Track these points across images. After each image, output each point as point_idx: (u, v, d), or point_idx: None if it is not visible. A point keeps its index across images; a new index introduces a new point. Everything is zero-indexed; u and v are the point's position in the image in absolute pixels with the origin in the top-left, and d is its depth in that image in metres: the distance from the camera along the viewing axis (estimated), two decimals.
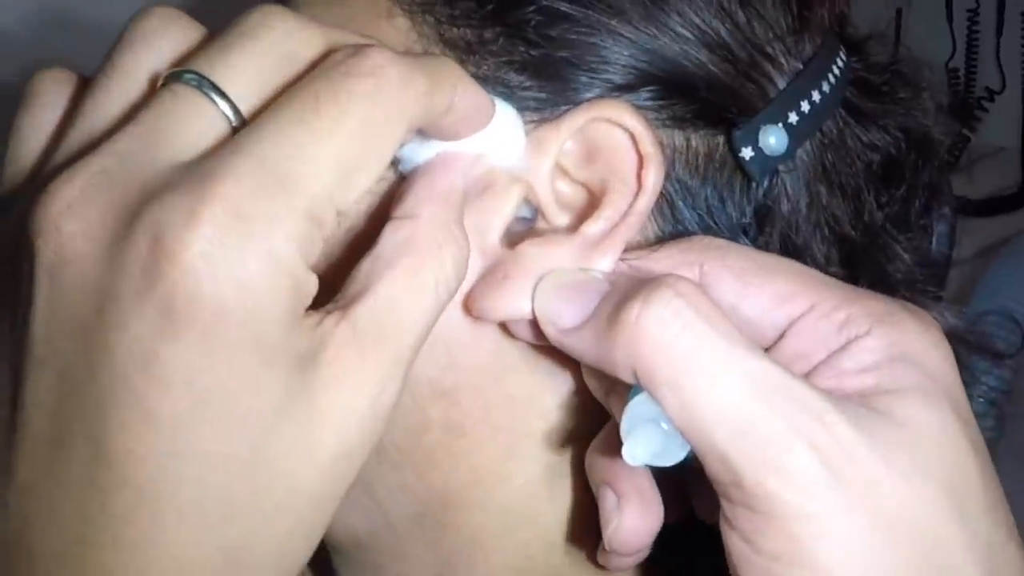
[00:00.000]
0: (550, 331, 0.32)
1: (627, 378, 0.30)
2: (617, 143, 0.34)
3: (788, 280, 0.32)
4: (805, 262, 0.36)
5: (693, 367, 0.28)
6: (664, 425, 0.29)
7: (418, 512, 0.37)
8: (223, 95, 0.28)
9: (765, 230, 0.36)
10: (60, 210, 0.26)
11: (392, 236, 0.29)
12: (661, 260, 0.33)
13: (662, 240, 0.35)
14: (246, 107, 0.28)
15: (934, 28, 1.09)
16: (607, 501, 0.33)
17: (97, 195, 0.26)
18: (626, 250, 0.34)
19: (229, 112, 0.28)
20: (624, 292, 0.30)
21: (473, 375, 0.35)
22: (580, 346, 0.31)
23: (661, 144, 0.34)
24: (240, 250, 0.25)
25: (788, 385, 0.28)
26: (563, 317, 0.32)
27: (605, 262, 0.33)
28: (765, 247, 0.36)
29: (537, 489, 0.37)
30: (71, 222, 0.26)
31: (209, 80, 0.28)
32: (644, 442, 0.29)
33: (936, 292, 0.39)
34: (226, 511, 0.27)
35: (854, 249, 0.38)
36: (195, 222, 0.25)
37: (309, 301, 0.27)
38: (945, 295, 0.42)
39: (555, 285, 0.32)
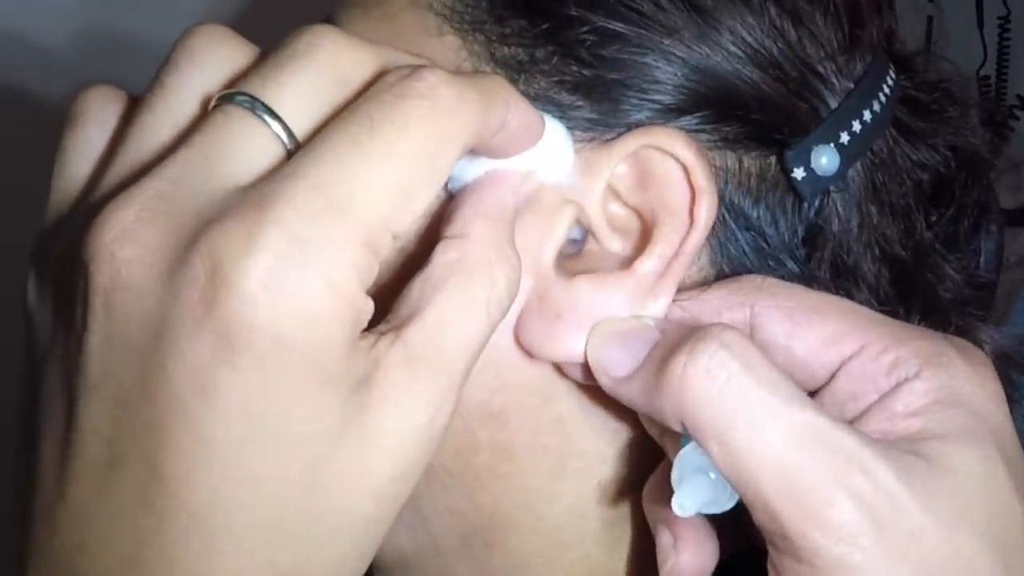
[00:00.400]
0: (603, 380, 0.32)
1: (676, 428, 0.30)
2: (669, 173, 0.33)
3: (838, 320, 0.32)
4: (856, 282, 0.36)
5: (738, 420, 0.28)
6: (712, 475, 0.30)
7: (466, 533, 0.37)
8: (277, 117, 0.28)
9: (816, 250, 0.36)
10: (115, 236, 0.26)
11: (443, 256, 0.29)
12: (711, 302, 0.33)
13: (715, 263, 0.35)
14: (300, 129, 0.28)
15: (965, 35, 1.08)
16: (663, 540, 0.33)
17: (152, 221, 0.26)
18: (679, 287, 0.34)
19: (283, 135, 0.28)
20: (672, 342, 0.30)
21: (522, 397, 0.35)
22: (631, 395, 0.31)
23: (714, 167, 0.34)
24: (298, 277, 0.25)
25: (832, 435, 0.28)
26: (615, 366, 0.32)
27: (659, 305, 0.33)
28: (817, 267, 0.36)
29: (586, 511, 0.37)
30: (126, 248, 0.26)
31: (262, 102, 0.28)
32: (693, 493, 0.29)
33: (984, 315, 0.39)
34: (280, 535, 0.27)
35: (904, 269, 0.38)
36: (253, 249, 0.25)
37: (365, 325, 0.27)
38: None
39: (608, 334, 0.33)
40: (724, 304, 0.33)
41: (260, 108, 0.28)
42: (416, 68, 0.28)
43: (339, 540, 0.28)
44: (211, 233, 0.25)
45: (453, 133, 0.28)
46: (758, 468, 0.28)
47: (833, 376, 0.32)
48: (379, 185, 0.27)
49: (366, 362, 0.27)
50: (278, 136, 0.28)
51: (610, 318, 0.33)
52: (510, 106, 0.30)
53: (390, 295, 0.29)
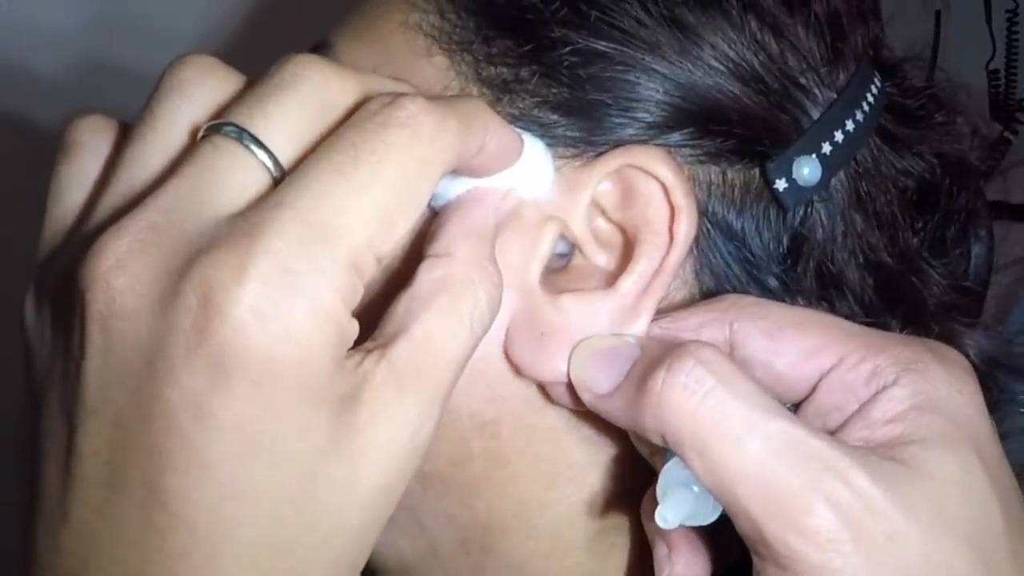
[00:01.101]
0: (586, 397, 0.33)
1: (658, 442, 0.31)
2: (650, 192, 0.34)
3: (816, 334, 0.33)
4: (841, 290, 0.37)
5: (716, 432, 0.29)
6: (696, 488, 0.30)
7: (463, 538, 0.38)
8: (263, 147, 0.29)
9: (801, 260, 0.36)
10: (110, 265, 0.27)
11: (428, 275, 0.30)
12: (691, 320, 0.34)
13: (699, 276, 0.36)
14: (286, 158, 0.29)
15: (973, 30, 1.07)
16: (659, 551, 0.34)
17: (145, 250, 0.27)
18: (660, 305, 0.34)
19: (270, 164, 0.29)
20: (651, 358, 0.31)
21: (514, 407, 0.36)
22: (613, 412, 0.32)
23: (697, 181, 0.35)
24: (287, 304, 0.26)
25: (809, 443, 0.29)
26: (597, 383, 0.33)
27: (640, 322, 0.34)
28: (802, 276, 0.36)
29: (579, 519, 0.37)
30: (120, 277, 0.27)
31: (249, 132, 0.28)
32: (676, 505, 0.30)
33: (970, 321, 0.39)
34: (276, 547, 0.28)
35: (890, 276, 0.38)
36: (244, 278, 0.26)
37: (350, 344, 0.28)
38: (985, 302, 0.42)
39: (590, 352, 0.33)
40: (703, 322, 0.34)
41: (247, 138, 0.28)
42: (397, 96, 0.29)
43: (331, 547, 0.29)
44: (202, 263, 0.26)
45: (433, 159, 0.29)
46: (737, 479, 0.29)
47: (814, 389, 0.32)
48: (362, 212, 0.28)
49: (353, 379, 0.28)
50: (265, 165, 0.29)
51: (592, 336, 0.34)
52: (488, 128, 0.31)
53: (375, 313, 0.30)
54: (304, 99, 0.29)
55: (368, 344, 0.29)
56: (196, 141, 0.29)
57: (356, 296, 0.28)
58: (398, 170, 0.28)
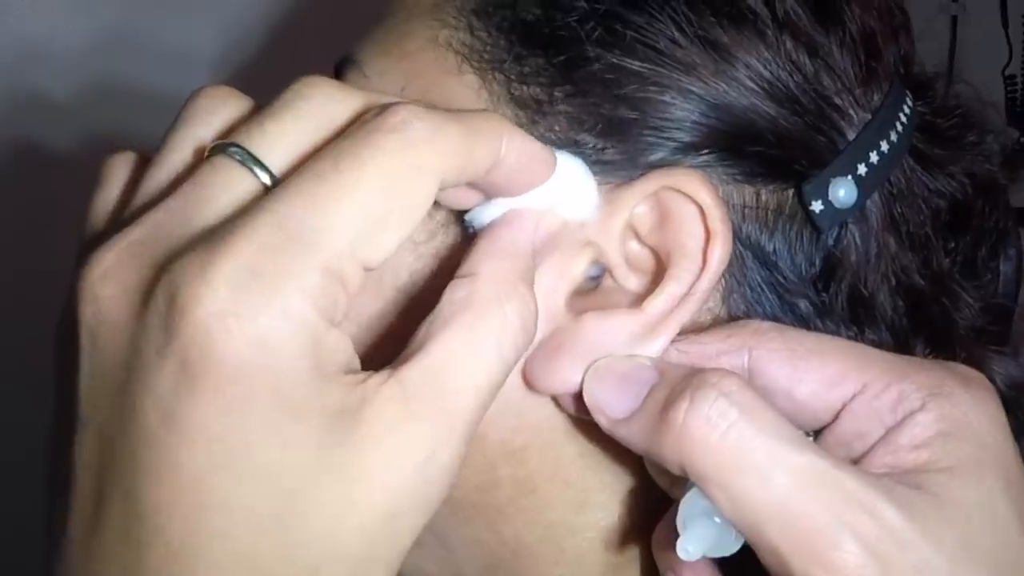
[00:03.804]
0: (601, 420, 0.33)
1: (677, 473, 0.30)
2: (687, 214, 0.34)
3: (838, 361, 0.32)
4: (872, 314, 0.37)
5: (740, 466, 0.29)
6: (717, 519, 0.30)
7: (491, 564, 0.37)
8: (259, 163, 0.28)
9: (833, 282, 0.36)
10: (98, 276, 0.27)
11: (451, 294, 0.29)
12: (710, 345, 0.33)
13: (727, 300, 0.35)
14: (281, 173, 0.28)
15: (990, 35, 1.07)
16: None
17: (130, 261, 0.27)
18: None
19: (266, 179, 0.28)
20: (671, 386, 0.31)
21: (543, 434, 0.35)
22: (630, 437, 0.32)
23: (731, 203, 0.34)
24: (253, 306, 0.26)
25: (834, 476, 0.29)
26: (613, 407, 0.32)
27: (659, 343, 0.33)
28: (834, 299, 0.36)
29: (607, 544, 0.37)
30: (106, 287, 0.27)
31: (246, 150, 0.28)
32: (698, 537, 0.30)
33: (997, 348, 0.39)
34: (258, 566, 0.27)
35: (921, 299, 0.38)
36: (207, 279, 0.25)
37: (335, 357, 0.27)
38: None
39: (605, 374, 0.33)
40: (722, 349, 0.33)
41: (242, 154, 0.28)
42: (391, 104, 0.28)
43: (324, 573, 0.27)
44: (172, 267, 0.26)
45: (425, 165, 0.28)
46: (762, 513, 0.29)
47: (837, 416, 0.32)
48: (342, 216, 0.27)
49: (348, 396, 0.27)
50: (262, 181, 0.28)
51: (607, 357, 0.33)
52: (504, 139, 0.30)
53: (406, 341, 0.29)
54: (304, 116, 0.29)
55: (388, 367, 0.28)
56: (201, 161, 0.29)
57: (335, 304, 0.27)
58: (384, 174, 0.27)
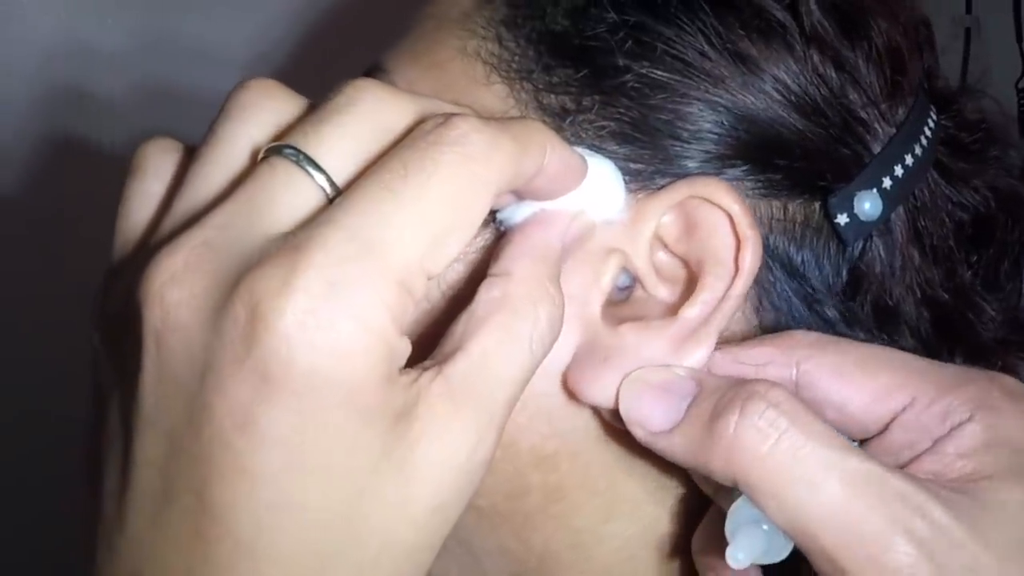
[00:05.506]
0: (639, 433, 0.33)
1: (726, 483, 0.31)
2: (715, 222, 0.34)
3: (887, 374, 0.33)
4: (897, 325, 0.37)
5: (793, 476, 0.29)
6: (766, 526, 0.30)
7: (517, 572, 0.38)
8: (319, 168, 0.29)
9: (858, 294, 0.36)
10: (165, 280, 0.27)
11: (486, 294, 0.30)
12: (754, 355, 0.34)
13: (757, 309, 0.36)
14: (341, 179, 0.29)
15: (1003, 48, 1.07)
16: None
17: (199, 266, 0.27)
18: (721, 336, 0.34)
19: (325, 184, 0.29)
20: (716, 398, 0.31)
21: (574, 441, 0.36)
22: (673, 450, 0.32)
23: (758, 216, 0.35)
24: (331, 316, 0.26)
25: (886, 480, 0.29)
26: (652, 420, 0.32)
27: (700, 352, 0.34)
28: (859, 310, 0.36)
29: (635, 553, 0.38)
30: (175, 292, 0.27)
31: (306, 154, 0.29)
32: (748, 544, 0.30)
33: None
34: (324, 561, 0.28)
35: (945, 312, 0.38)
36: (289, 291, 0.26)
37: (402, 363, 0.28)
38: None
39: (641, 386, 0.33)
40: (767, 359, 0.33)
41: (303, 159, 0.29)
42: (450, 116, 0.29)
43: (382, 565, 0.28)
44: (250, 277, 0.26)
45: (484, 178, 0.29)
46: (815, 520, 0.29)
47: (886, 427, 0.32)
48: (410, 228, 0.28)
49: (407, 396, 0.28)
50: (320, 186, 0.29)
51: (639, 369, 0.33)
52: (546, 149, 0.31)
53: (439, 335, 0.30)
54: (361, 121, 0.29)
55: (427, 362, 0.29)
56: (256, 162, 0.30)
57: (405, 313, 0.28)
58: (447, 187, 0.28)
